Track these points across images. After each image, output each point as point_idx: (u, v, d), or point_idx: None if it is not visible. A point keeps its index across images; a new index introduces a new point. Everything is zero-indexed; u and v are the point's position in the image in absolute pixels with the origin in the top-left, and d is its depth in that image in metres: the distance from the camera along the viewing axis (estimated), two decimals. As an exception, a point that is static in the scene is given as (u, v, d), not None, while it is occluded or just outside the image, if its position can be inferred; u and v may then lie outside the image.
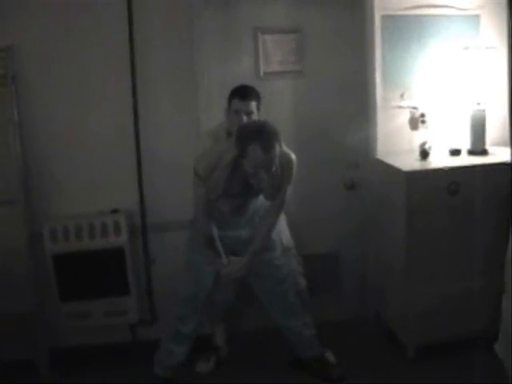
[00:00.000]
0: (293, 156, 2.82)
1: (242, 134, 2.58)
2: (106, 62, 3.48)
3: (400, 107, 3.73)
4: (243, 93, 2.90)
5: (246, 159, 2.59)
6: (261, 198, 3.01)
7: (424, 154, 3.54)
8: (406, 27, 3.67)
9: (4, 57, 3.37)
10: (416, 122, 3.72)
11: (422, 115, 3.69)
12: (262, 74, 3.66)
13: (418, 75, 3.72)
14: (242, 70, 3.50)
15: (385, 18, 3.64)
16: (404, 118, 3.76)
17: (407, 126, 3.75)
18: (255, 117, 2.92)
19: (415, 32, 3.67)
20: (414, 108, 3.71)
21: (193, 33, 3.49)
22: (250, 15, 3.60)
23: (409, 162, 3.49)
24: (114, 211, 3.56)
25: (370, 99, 3.76)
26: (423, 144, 3.56)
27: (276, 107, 3.39)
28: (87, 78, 3.49)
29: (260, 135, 2.51)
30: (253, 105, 2.90)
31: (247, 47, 3.63)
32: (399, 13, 3.64)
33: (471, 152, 3.65)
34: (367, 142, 3.81)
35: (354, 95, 3.79)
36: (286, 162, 2.79)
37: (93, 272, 3.52)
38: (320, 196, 3.71)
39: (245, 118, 2.85)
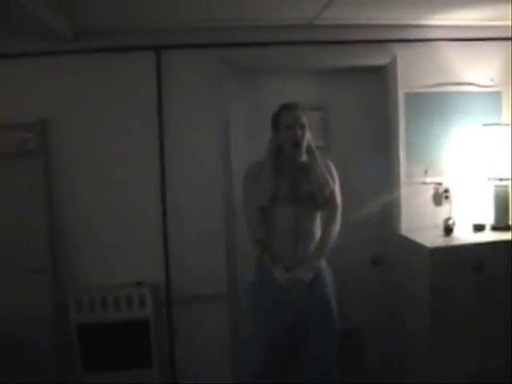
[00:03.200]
0: (331, 163, 3.18)
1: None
2: (134, 137, 3.77)
3: (424, 183, 3.92)
4: (292, 106, 3.07)
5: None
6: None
7: (448, 230, 3.70)
8: (429, 104, 3.90)
9: (36, 131, 3.71)
10: (440, 197, 3.91)
11: (446, 191, 3.88)
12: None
13: (442, 151, 3.93)
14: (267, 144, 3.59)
15: (408, 95, 3.89)
16: (428, 193, 3.94)
17: (431, 202, 3.93)
18: (308, 135, 3.05)
19: (438, 109, 3.91)
20: (438, 184, 3.91)
21: (220, 109, 3.78)
22: (276, 91, 3.82)
23: (433, 238, 3.62)
24: (139, 284, 3.79)
25: (394, 175, 3.93)
26: (447, 220, 3.73)
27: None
28: (115, 151, 3.78)
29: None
30: (304, 117, 3.06)
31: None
32: (422, 90, 3.90)
33: (495, 228, 3.82)
34: (391, 218, 3.96)
35: (378, 172, 3.97)
36: (326, 166, 3.10)
37: (116, 344, 3.72)
38: (345, 272, 3.77)
39: (299, 133, 3.00)
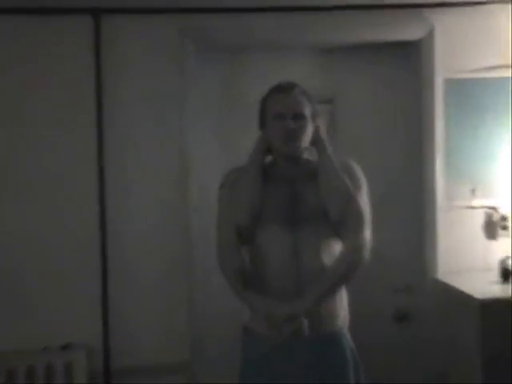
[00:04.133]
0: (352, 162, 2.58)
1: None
2: (60, 136, 3.22)
3: (470, 207, 3.43)
4: (285, 85, 2.48)
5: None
6: None
7: (506, 274, 3.22)
8: (480, 95, 3.40)
9: None
10: (494, 227, 3.40)
11: (504, 218, 3.38)
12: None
13: (496, 162, 3.43)
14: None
15: (449, 82, 3.39)
16: (477, 222, 3.43)
17: (481, 234, 3.41)
18: (310, 128, 2.43)
19: (492, 102, 3.40)
20: (492, 208, 3.41)
21: (184, 99, 3.25)
22: (265, 76, 3.23)
23: (484, 286, 3.17)
24: (65, 347, 3.17)
25: (427, 196, 3.48)
26: (505, 260, 3.24)
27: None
28: (32, 157, 3.19)
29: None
30: (303, 103, 2.43)
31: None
32: (469, 76, 3.39)
33: None
34: (423, 257, 3.51)
35: (404, 191, 3.52)
36: (345, 166, 2.48)
37: None
38: (359, 331, 3.04)
39: (292, 125, 2.39)
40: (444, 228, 3.43)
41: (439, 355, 3.41)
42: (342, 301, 2.49)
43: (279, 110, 2.41)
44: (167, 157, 3.28)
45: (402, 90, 3.52)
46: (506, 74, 3.34)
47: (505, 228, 3.35)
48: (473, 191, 3.43)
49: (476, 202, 3.42)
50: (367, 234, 2.41)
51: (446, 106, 3.41)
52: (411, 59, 3.50)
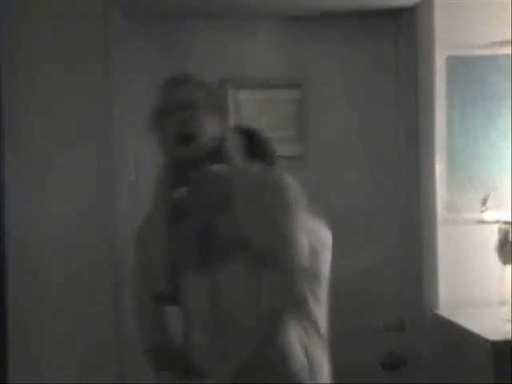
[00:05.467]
0: (283, 175, 2.10)
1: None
2: None
3: (481, 222, 2.98)
4: (176, 79, 2.19)
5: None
6: None
7: None
8: (492, 78, 2.96)
9: None
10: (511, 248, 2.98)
11: None
12: (232, 160, 3.08)
13: None
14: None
15: (453, 61, 2.96)
16: (489, 241, 2.97)
17: (494, 257, 2.96)
18: (208, 121, 2.10)
19: (507, 83, 2.95)
20: (508, 224, 2.95)
21: (110, 92, 2.77)
22: (215, 51, 2.99)
23: (498, 324, 2.78)
24: None
25: (424, 208, 3.05)
26: None
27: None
28: None
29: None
30: (197, 93, 2.11)
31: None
32: (479, 52, 2.95)
33: None
34: (419, 286, 3.09)
35: (394, 203, 3.09)
36: (272, 180, 2.08)
37: None
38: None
39: (186, 115, 2.06)
40: (446, 249, 2.99)
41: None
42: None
43: (168, 102, 2.07)
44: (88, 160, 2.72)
45: (391, 72, 3.09)
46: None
47: (525, 249, 2.97)
48: (484, 201, 3.01)
49: (488, 216, 3.00)
50: (302, 261, 1.99)
51: (449, 91, 2.97)
52: (404, 31, 3.09)
